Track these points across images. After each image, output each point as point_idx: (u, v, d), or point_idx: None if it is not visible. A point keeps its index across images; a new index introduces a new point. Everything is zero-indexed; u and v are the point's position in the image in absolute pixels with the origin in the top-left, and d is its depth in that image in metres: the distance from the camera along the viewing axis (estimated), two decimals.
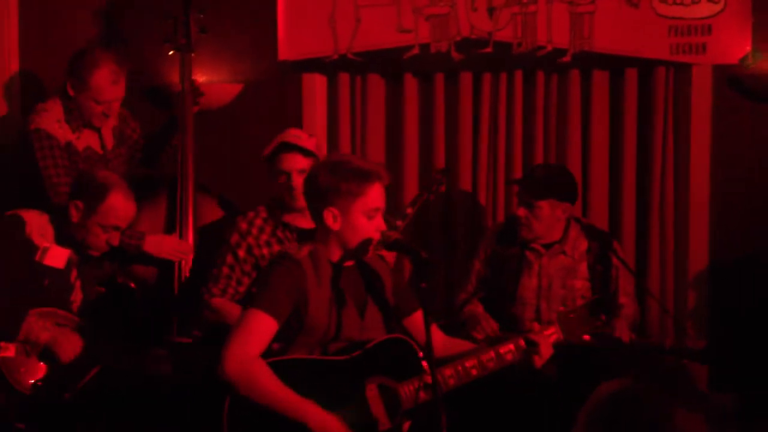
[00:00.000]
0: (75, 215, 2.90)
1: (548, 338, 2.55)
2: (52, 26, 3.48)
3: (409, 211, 3.17)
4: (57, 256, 2.88)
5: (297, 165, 3.04)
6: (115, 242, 2.99)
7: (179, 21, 3.50)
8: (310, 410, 2.29)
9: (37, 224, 2.87)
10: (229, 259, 3.10)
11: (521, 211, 3.28)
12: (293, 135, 3.11)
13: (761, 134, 3.78)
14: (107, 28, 3.94)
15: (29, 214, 2.89)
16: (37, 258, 2.85)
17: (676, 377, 3.68)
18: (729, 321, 3.75)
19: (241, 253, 3.09)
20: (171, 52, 3.52)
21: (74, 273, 2.95)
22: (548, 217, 3.27)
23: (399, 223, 3.15)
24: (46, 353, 2.79)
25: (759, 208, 3.79)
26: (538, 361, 2.51)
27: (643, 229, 3.89)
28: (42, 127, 3.21)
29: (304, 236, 3.00)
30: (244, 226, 3.11)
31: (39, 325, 2.77)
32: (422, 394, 2.35)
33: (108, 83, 3.24)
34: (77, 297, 2.96)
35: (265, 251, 3.08)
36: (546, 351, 2.52)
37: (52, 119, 3.24)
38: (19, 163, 3.37)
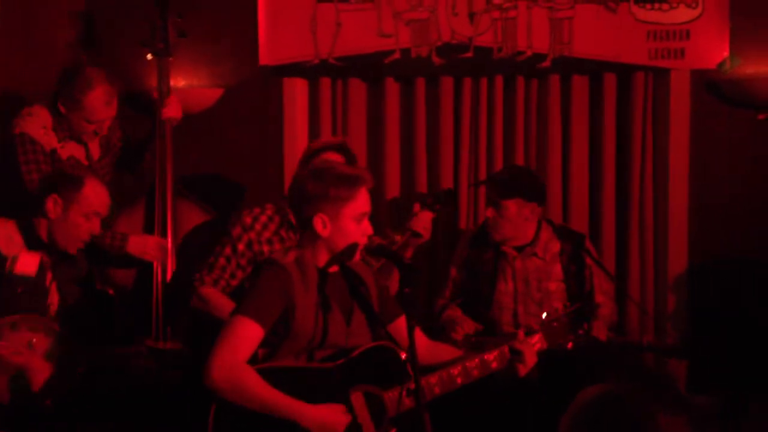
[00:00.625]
0: (53, 210, 2.85)
1: (532, 347, 2.56)
2: (32, 29, 3.44)
3: (408, 229, 3.18)
4: (27, 263, 2.82)
5: None
6: (97, 230, 2.94)
7: (157, 25, 3.46)
8: (302, 408, 2.29)
9: (2, 234, 2.82)
10: (228, 250, 3.09)
11: (489, 212, 3.32)
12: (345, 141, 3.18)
13: (739, 138, 3.83)
14: (86, 31, 3.91)
15: None
16: (6, 268, 2.79)
17: (658, 379, 3.71)
18: (708, 323, 3.79)
19: (241, 246, 3.08)
20: (149, 57, 3.50)
21: (49, 276, 2.90)
22: (515, 217, 3.28)
23: (398, 238, 3.15)
24: (17, 377, 2.71)
25: (737, 211, 3.84)
26: (522, 370, 2.53)
27: (622, 232, 3.93)
28: (26, 131, 3.18)
29: None
30: (248, 220, 3.10)
31: (11, 349, 2.70)
32: (407, 401, 2.35)
33: (102, 104, 3.22)
34: (54, 299, 2.91)
35: (265, 248, 3.07)
36: (530, 359, 2.53)
37: (37, 125, 3.21)
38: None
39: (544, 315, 2.65)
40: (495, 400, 2.81)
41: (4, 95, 3.47)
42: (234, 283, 3.10)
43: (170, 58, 3.49)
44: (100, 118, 3.25)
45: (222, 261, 3.09)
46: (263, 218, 3.11)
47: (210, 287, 3.08)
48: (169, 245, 3.37)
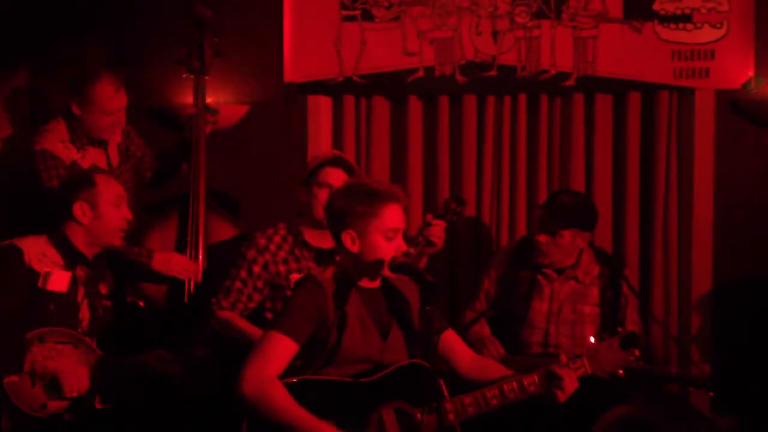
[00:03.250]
0: (83, 215, 2.89)
1: (574, 372, 2.52)
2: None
3: (421, 239, 3.19)
4: (59, 281, 2.85)
5: (340, 180, 3.05)
6: (130, 215, 2.99)
7: (194, 44, 3.52)
8: (326, 430, 2.29)
9: (35, 250, 2.85)
10: (243, 273, 3.10)
11: (542, 238, 3.28)
12: (341, 153, 3.21)
13: (764, 158, 3.82)
14: (117, 49, 3.96)
15: (25, 242, 2.86)
16: (39, 285, 2.82)
17: (681, 402, 3.68)
18: (733, 345, 3.76)
19: (257, 268, 3.09)
20: (185, 75, 3.56)
21: (81, 292, 2.92)
22: (568, 245, 3.29)
23: (411, 250, 3.15)
24: (53, 384, 2.76)
25: (762, 231, 3.81)
26: (561, 396, 2.49)
27: (646, 253, 3.91)
28: (46, 147, 3.22)
29: (321, 256, 3.01)
30: (262, 242, 3.11)
31: (44, 355, 2.75)
32: (437, 420, 2.34)
33: (111, 92, 3.27)
34: (85, 315, 2.93)
35: (281, 268, 3.08)
36: (570, 385, 2.50)
37: (55, 139, 3.26)
38: (24, 183, 3.37)
39: (592, 340, 2.60)
40: (517, 418, 2.78)
41: (33, 112, 3.52)
42: (251, 305, 3.11)
43: (206, 77, 3.54)
44: (112, 108, 3.28)
45: (238, 284, 3.10)
46: (277, 238, 3.12)
47: (227, 311, 3.09)
48: (200, 258, 3.40)
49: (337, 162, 3.11)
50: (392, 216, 2.44)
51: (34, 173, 3.21)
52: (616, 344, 2.58)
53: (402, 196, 2.47)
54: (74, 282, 2.90)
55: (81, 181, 2.95)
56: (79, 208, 2.89)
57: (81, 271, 2.93)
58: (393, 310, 2.51)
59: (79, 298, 2.92)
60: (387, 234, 2.43)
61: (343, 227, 2.43)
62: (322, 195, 3.03)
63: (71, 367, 2.79)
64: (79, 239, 2.92)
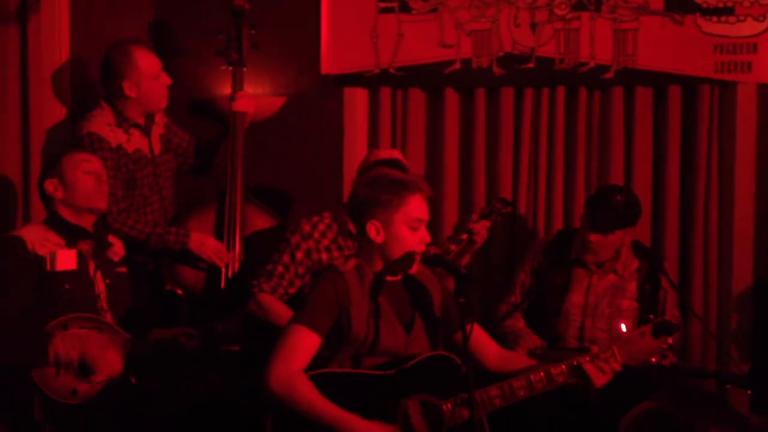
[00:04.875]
0: (55, 191, 2.94)
1: (606, 364, 2.50)
2: (108, 39, 3.53)
3: (464, 236, 3.17)
4: (66, 259, 2.88)
5: None
6: (107, 187, 3.03)
7: (232, 36, 3.57)
8: (355, 423, 2.29)
9: (36, 237, 2.88)
10: (286, 258, 3.12)
11: (593, 237, 3.22)
12: (404, 159, 3.23)
13: None
14: (157, 41, 4.00)
15: (25, 231, 2.91)
16: (48, 268, 2.85)
17: (709, 396, 3.62)
18: None
19: (299, 255, 3.10)
20: (223, 67, 3.59)
21: (91, 266, 2.95)
22: (617, 243, 3.26)
23: (453, 247, 3.14)
24: (83, 369, 2.79)
25: None
26: (592, 387, 2.47)
27: (686, 248, 3.85)
28: (93, 130, 3.27)
29: None
30: (307, 228, 3.13)
31: (67, 344, 2.77)
32: (465, 412, 2.33)
33: (147, 56, 3.36)
34: (101, 288, 2.96)
35: (323, 256, 3.09)
36: (598, 377, 2.48)
37: (102, 123, 3.31)
38: None
39: (623, 328, 2.58)
40: (550, 412, 2.76)
41: (80, 105, 3.57)
42: (292, 291, 3.13)
43: (244, 68, 3.58)
44: (156, 69, 3.37)
45: (280, 269, 3.12)
46: (321, 226, 3.13)
47: (267, 294, 3.11)
48: (237, 249, 3.43)
49: (394, 165, 3.09)
50: (416, 206, 2.43)
51: None
52: (648, 332, 2.55)
53: (425, 187, 2.46)
54: (82, 258, 2.92)
55: (48, 162, 3.04)
56: (50, 185, 2.96)
57: (85, 245, 2.95)
58: (416, 303, 2.50)
59: (92, 272, 2.95)
60: (411, 224, 2.42)
61: (368, 217, 2.43)
62: None
63: (99, 351, 2.81)
64: (67, 214, 2.96)
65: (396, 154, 3.28)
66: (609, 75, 3.83)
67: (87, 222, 2.98)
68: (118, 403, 2.80)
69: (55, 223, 2.94)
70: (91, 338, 2.81)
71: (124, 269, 3.08)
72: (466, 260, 3.20)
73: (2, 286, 2.79)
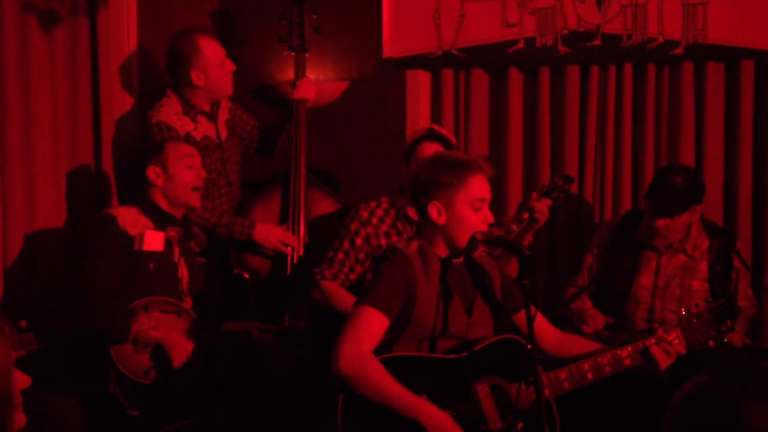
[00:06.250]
0: (157, 178, 3.03)
1: (671, 347, 2.48)
2: (172, 28, 3.60)
3: (525, 215, 3.15)
4: (154, 240, 2.97)
5: None
6: (204, 173, 3.10)
7: (294, 22, 3.59)
8: (423, 408, 2.29)
9: (128, 217, 2.98)
10: (346, 245, 3.15)
11: (661, 223, 3.15)
12: (438, 127, 3.22)
13: None
14: (221, 29, 4.05)
15: (118, 210, 3.02)
16: (136, 247, 2.94)
17: (760, 374, 3.51)
18: None
19: (359, 241, 3.13)
20: (286, 53, 3.61)
21: (176, 251, 3.04)
22: (686, 223, 3.19)
23: (514, 227, 3.13)
24: (158, 353, 2.87)
25: None
26: (661, 365, 2.44)
27: (759, 227, 3.73)
28: (162, 119, 3.35)
29: None
30: (365, 214, 3.15)
31: (149, 325, 2.86)
32: (533, 395, 2.31)
33: (212, 44, 3.41)
34: (183, 273, 3.05)
35: (382, 241, 3.12)
36: (664, 360, 2.46)
37: (170, 112, 3.38)
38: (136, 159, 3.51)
39: (684, 311, 2.54)
40: (617, 393, 2.72)
41: (147, 95, 3.64)
42: (353, 276, 3.16)
43: (306, 54, 3.60)
44: (221, 56, 3.40)
45: (341, 255, 3.14)
46: (379, 212, 3.14)
47: (330, 281, 3.14)
48: (302, 233, 3.47)
49: (432, 136, 3.13)
50: (478, 186, 2.41)
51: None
52: (707, 314, 2.50)
53: (487, 166, 2.44)
54: (168, 242, 3.02)
55: (152, 147, 3.11)
56: (152, 172, 3.03)
57: (173, 231, 3.05)
58: (477, 284, 2.49)
59: (176, 257, 3.04)
60: (473, 204, 2.40)
61: (429, 199, 2.42)
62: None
63: (177, 338, 2.89)
64: (162, 202, 3.05)
65: (434, 126, 3.27)
66: (678, 51, 3.72)
67: (177, 212, 3.08)
68: (190, 384, 2.87)
69: (148, 208, 3.04)
70: (171, 323, 2.89)
71: (203, 260, 3.16)
72: (528, 240, 3.17)
73: (95, 259, 2.89)
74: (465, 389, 2.36)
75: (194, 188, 3.08)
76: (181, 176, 3.05)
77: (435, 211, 2.42)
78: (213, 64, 3.39)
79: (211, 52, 3.39)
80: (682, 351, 2.49)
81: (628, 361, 2.45)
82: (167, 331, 2.88)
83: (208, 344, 2.94)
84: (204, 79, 3.39)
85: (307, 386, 2.92)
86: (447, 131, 3.27)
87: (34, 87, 3.22)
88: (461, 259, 2.50)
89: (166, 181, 3.04)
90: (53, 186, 3.33)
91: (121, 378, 2.82)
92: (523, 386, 2.36)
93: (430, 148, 3.07)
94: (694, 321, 2.52)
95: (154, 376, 2.85)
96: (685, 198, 3.15)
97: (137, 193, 3.10)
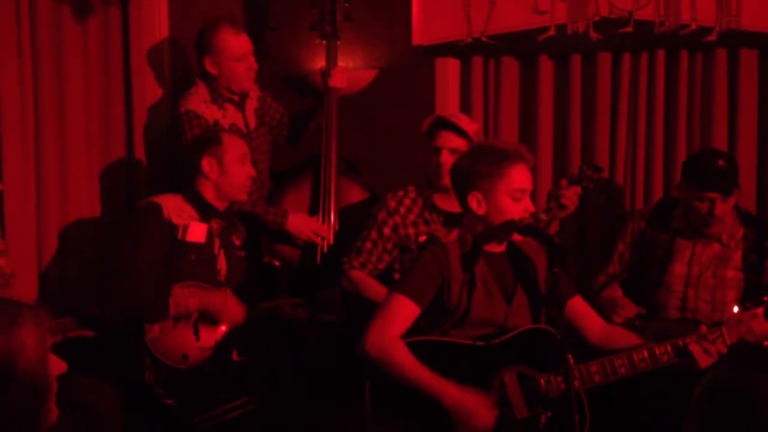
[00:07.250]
0: (211, 169, 3.01)
1: (713, 345, 2.43)
2: (202, 17, 3.62)
3: (553, 204, 3.14)
4: (197, 232, 2.99)
5: (449, 143, 3.11)
6: (254, 171, 3.11)
7: (326, 10, 3.60)
8: (446, 389, 2.31)
9: (173, 206, 2.99)
10: (374, 234, 3.17)
11: (719, 210, 3.11)
12: (452, 114, 3.22)
13: None
14: (252, 18, 4.06)
15: (163, 199, 3.01)
16: (179, 236, 2.96)
17: None
18: None
19: (387, 230, 3.16)
20: (317, 41, 3.62)
21: (217, 243, 3.05)
22: (731, 206, 3.16)
23: (543, 216, 3.12)
24: (204, 318, 2.89)
25: None
26: (704, 363, 2.40)
27: None
28: (191, 108, 3.36)
29: (450, 219, 3.03)
30: (393, 204, 3.17)
31: (184, 294, 2.87)
32: (563, 387, 2.31)
33: (233, 37, 3.39)
34: (222, 265, 3.07)
35: (410, 231, 3.13)
36: (704, 360, 2.42)
37: (198, 101, 3.40)
38: (168, 147, 3.54)
39: (735, 309, 2.49)
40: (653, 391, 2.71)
41: (179, 84, 3.67)
42: (381, 266, 3.18)
43: (338, 42, 3.61)
44: (240, 52, 3.39)
45: (369, 245, 3.17)
46: (407, 201, 3.16)
47: (358, 270, 3.16)
48: (332, 221, 3.49)
49: (443, 125, 3.14)
50: (519, 176, 2.40)
51: (179, 134, 3.35)
52: (761, 314, 2.46)
53: (528, 156, 2.43)
54: (210, 234, 3.03)
55: (209, 138, 3.09)
56: (207, 163, 3.02)
57: (215, 224, 3.06)
58: (519, 274, 2.49)
59: (216, 249, 3.05)
60: (514, 195, 2.40)
61: (469, 189, 2.42)
62: (435, 159, 3.10)
63: (221, 302, 2.92)
64: (209, 194, 3.05)
65: (437, 114, 3.27)
66: (711, 37, 3.67)
67: (222, 205, 3.09)
68: (223, 370, 2.91)
69: (193, 197, 3.04)
70: (209, 292, 2.93)
71: (243, 253, 3.17)
72: (554, 227, 3.16)
73: (138, 246, 2.91)
74: (493, 376, 2.37)
75: (245, 186, 3.09)
76: (236, 173, 3.04)
77: (475, 202, 2.42)
78: (228, 57, 3.39)
79: (227, 45, 3.38)
80: (724, 350, 2.45)
81: (665, 358, 2.42)
82: (206, 299, 2.90)
83: (243, 327, 2.96)
84: (217, 68, 3.39)
85: (338, 369, 2.94)
86: (458, 118, 3.22)
87: (68, 76, 3.27)
88: (503, 248, 2.50)
89: (220, 175, 3.03)
90: (87, 175, 3.38)
91: (156, 365, 2.85)
92: (552, 376, 2.36)
93: (443, 137, 3.12)
94: (743, 320, 2.47)
95: (191, 362, 2.87)
96: (730, 179, 3.11)
97: (181, 181, 3.09)
